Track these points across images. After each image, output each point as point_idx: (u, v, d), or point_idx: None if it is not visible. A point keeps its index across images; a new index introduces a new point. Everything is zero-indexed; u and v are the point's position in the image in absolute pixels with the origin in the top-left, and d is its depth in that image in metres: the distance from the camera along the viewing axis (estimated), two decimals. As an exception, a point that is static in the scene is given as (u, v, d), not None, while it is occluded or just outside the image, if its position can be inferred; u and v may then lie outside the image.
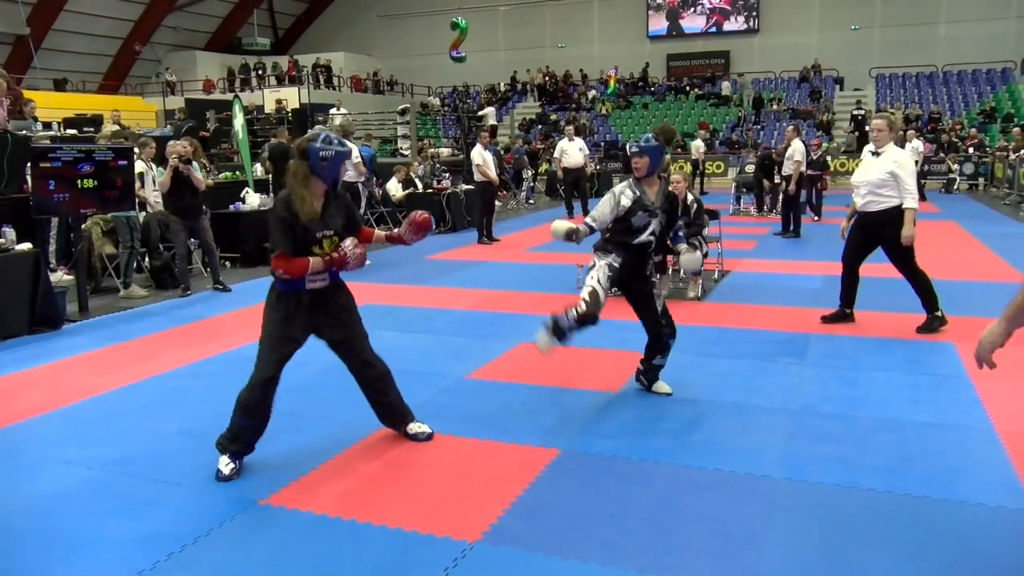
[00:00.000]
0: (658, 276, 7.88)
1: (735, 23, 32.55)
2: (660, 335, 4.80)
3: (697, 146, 21.02)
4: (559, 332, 4.47)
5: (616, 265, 4.61)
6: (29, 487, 3.74)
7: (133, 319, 7.45)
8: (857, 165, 6.73)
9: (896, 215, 6.03)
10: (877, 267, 6.76)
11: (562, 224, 4.58)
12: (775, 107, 29.03)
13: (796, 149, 12.15)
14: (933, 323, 6.22)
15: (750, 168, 15.92)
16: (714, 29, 32.84)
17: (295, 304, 3.79)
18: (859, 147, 23.59)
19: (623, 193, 4.62)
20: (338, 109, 20.79)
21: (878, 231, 6.18)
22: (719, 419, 4.46)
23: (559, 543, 3.11)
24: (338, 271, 3.87)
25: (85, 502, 3.56)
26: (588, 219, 4.67)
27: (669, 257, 8.07)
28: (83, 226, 8.24)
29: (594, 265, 4.66)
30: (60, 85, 26.07)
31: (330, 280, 3.87)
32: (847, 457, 3.88)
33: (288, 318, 3.78)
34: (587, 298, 4.50)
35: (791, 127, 13.04)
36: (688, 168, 18.78)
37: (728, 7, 32.44)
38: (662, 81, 32.91)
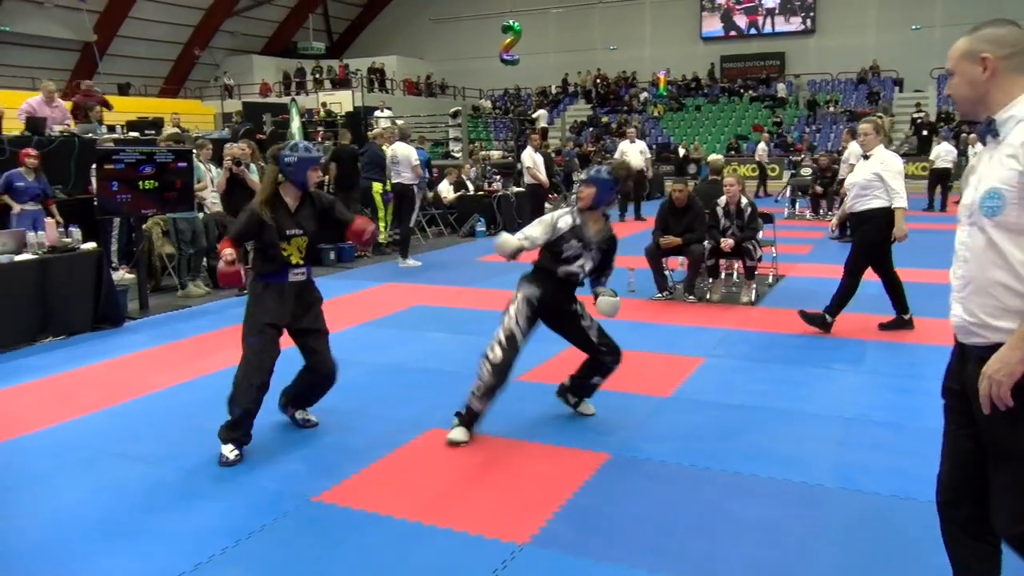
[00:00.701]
0: (710, 281, 7.84)
1: (790, 24, 32.02)
2: (600, 360, 4.48)
3: (761, 148, 20.77)
4: (473, 419, 4.22)
5: (534, 300, 4.31)
6: (90, 480, 3.85)
7: (190, 317, 7.63)
8: (916, 168, 6.71)
9: (874, 214, 6.09)
10: (940, 273, 6.58)
11: (510, 241, 4.27)
12: (831, 109, 28.47)
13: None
14: (900, 323, 6.40)
15: (806, 171, 15.63)
16: (769, 30, 32.35)
17: (279, 294, 4.14)
18: (920, 150, 23.00)
19: (561, 218, 4.33)
20: (382, 111, 20.97)
21: (856, 230, 6.31)
22: (770, 426, 4.38)
23: (607, 548, 3.10)
24: (310, 268, 4.30)
25: (143, 496, 3.66)
26: (520, 235, 4.35)
27: (722, 261, 8.01)
28: (144, 226, 8.46)
29: (513, 299, 4.35)
30: (123, 89, 26.85)
31: (306, 276, 4.26)
32: (902, 467, 3.78)
33: (278, 307, 4.13)
34: (497, 352, 4.18)
35: (847, 130, 12.79)
36: (743, 170, 18.53)
37: (782, 7, 31.92)
38: (715, 83, 32.53)
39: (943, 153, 16.23)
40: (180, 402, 5.04)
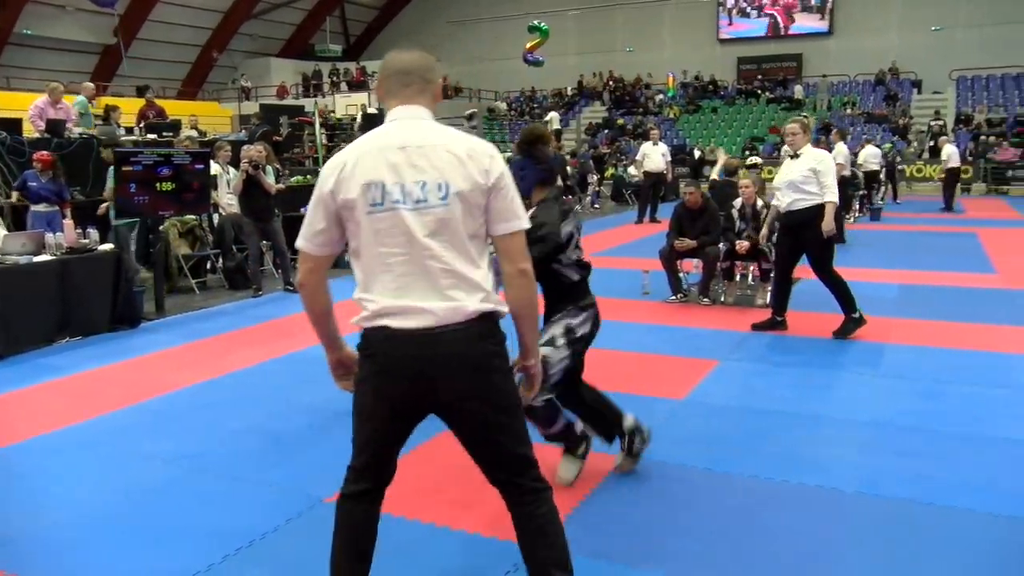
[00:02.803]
0: (725, 283, 7.79)
1: (807, 24, 31.81)
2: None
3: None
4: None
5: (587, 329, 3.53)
6: (108, 479, 3.87)
7: (207, 318, 7.66)
8: (933, 172, 6.70)
9: (817, 214, 6.08)
10: (969, 276, 6.51)
11: None
12: (849, 111, 28.26)
13: (838, 152, 11.95)
14: (849, 325, 6.26)
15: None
16: (784, 31, 32.15)
17: None
18: (932, 156, 22.82)
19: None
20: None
21: (800, 232, 6.22)
22: (791, 429, 4.34)
23: (624, 551, 3.07)
24: None
25: (159, 495, 3.67)
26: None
27: (737, 264, 7.95)
28: (161, 227, 8.52)
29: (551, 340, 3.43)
30: (142, 92, 27.02)
31: None
32: (926, 472, 3.73)
33: None
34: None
35: (836, 131, 12.91)
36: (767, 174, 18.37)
37: (799, 7, 31.74)
38: (732, 84, 32.38)
39: (952, 154, 17.01)
40: (197, 402, 5.06)
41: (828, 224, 6.08)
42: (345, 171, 2.15)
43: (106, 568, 3.03)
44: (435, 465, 3.97)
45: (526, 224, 2.26)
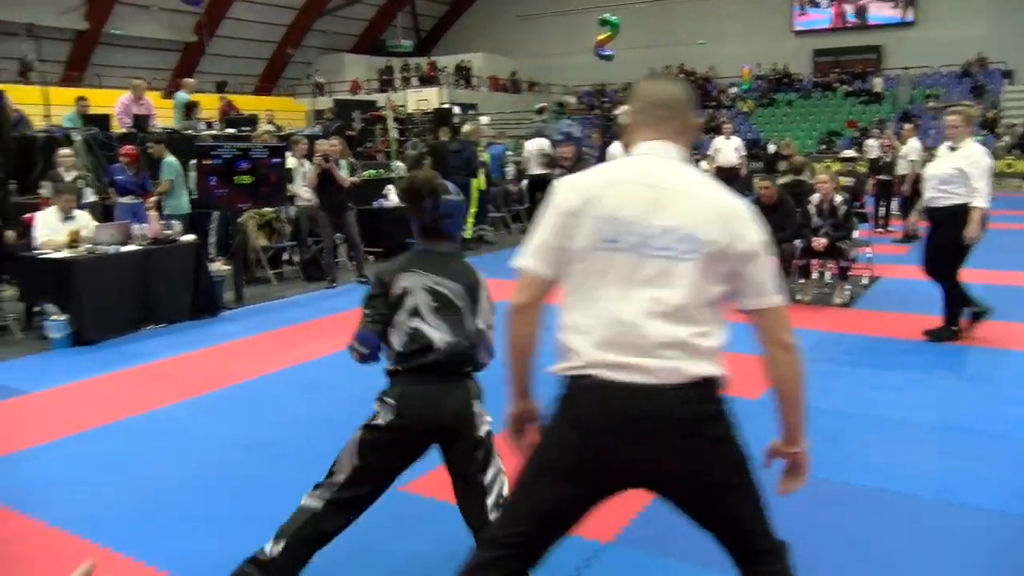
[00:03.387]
0: (801, 281, 7.62)
1: (887, 14, 30.75)
2: None
3: (871, 144, 20.11)
4: None
5: None
6: (187, 463, 4.02)
7: (283, 308, 7.87)
8: None
9: (956, 214, 5.63)
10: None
11: None
12: (931, 104, 27.24)
13: (911, 148, 11.56)
14: (943, 332, 5.95)
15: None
16: (862, 20, 31.14)
17: None
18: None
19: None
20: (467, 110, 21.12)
21: (937, 229, 5.86)
22: (864, 432, 4.23)
23: (690, 550, 3.04)
24: None
25: (235, 480, 3.79)
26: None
27: (814, 261, 7.77)
28: (239, 220, 8.77)
29: None
30: (220, 88, 27.88)
31: None
32: (1008, 481, 3.60)
33: None
34: None
35: (909, 126, 12.46)
36: (835, 167, 17.88)
37: (882, -2, 30.73)
38: (808, 77, 31.58)
39: None
40: (274, 390, 5.20)
41: (973, 230, 5.60)
42: (591, 197, 1.94)
43: (178, 547, 3.16)
44: (505, 457, 4.00)
45: (781, 301, 2.05)
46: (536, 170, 12.00)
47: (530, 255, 2.01)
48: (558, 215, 1.97)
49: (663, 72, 33.48)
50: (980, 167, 5.64)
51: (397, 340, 2.70)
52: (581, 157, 4.49)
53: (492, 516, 2.65)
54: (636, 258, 1.90)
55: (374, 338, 2.72)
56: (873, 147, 15.76)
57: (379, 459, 2.71)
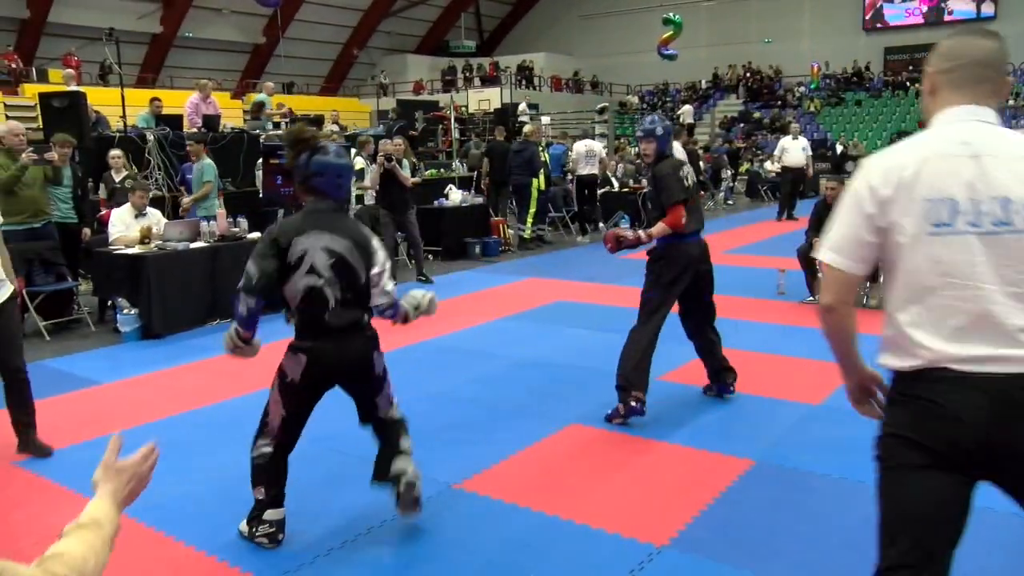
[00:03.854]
0: (868, 285, 7.41)
1: (967, 8, 29.69)
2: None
3: None
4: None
5: None
6: (245, 456, 4.10)
7: (344, 306, 7.98)
8: None
9: None
10: None
11: None
12: (1012, 103, 26.21)
13: None
14: None
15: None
16: (938, 16, 30.15)
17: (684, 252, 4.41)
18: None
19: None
20: (527, 108, 21.11)
21: None
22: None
23: (748, 556, 2.99)
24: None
25: (297, 472, 3.85)
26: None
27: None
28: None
29: None
30: (288, 88, 28.50)
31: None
32: None
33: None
34: None
35: None
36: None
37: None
38: (879, 76, 30.71)
39: None
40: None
41: None
42: (904, 177, 1.77)
43: (237, 535, 3.22)
44: (559, 458, 3.99)
45: None
46: (585, 170, 12.33)
47: (835, 249, 1.87)
48: (865, 203, 1.81)
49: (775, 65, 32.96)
50: None
51: (295, 302, 3.06)
52: (663, 155, 4.48)
53: (386, 410, 3.31)
54: (975, 239, 1.73)
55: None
56: None
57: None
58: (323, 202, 3.06)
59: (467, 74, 32.99)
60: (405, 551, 3.12)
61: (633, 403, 4.32)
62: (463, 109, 21.53)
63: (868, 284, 7.45)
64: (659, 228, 4.39)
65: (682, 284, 4.46)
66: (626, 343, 4.46)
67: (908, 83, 29.28)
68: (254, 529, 3.15)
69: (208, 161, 8.87)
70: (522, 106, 21.56)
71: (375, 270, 3.07)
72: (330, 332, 3.06)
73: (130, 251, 6.86)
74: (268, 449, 3.17)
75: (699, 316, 4.68)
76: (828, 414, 4.54)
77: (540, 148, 11.97)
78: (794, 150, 14.44)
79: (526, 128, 12.72)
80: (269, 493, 3.15)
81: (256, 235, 7.76)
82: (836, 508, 3.39)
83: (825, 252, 1.89)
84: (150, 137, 9.88)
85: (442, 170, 13.75)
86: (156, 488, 3.64)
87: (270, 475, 3.16)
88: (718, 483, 3.63)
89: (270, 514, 3.15)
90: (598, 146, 13.19)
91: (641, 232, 4.46)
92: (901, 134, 25.66)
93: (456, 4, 36.45)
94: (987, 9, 29.42)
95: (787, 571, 2.90)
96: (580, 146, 12.90)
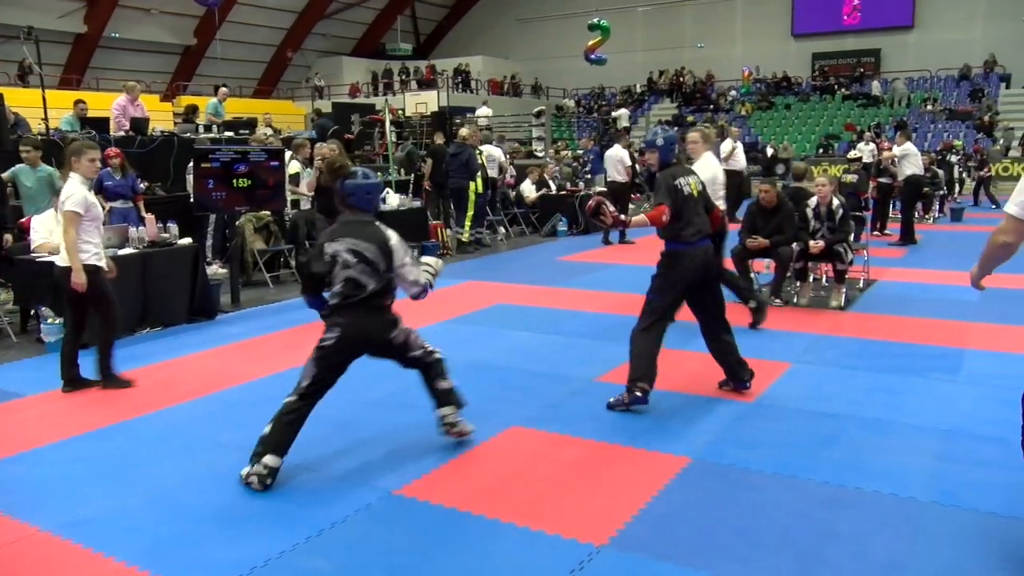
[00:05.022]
0: (798, 284, 7.62)
1: (887, 17, 30.72)
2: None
3: (862, 149, 20.13)
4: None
5: None
6: (186, 465, 4.01)
7: (280, 311, 7.86)
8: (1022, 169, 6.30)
9: None
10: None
11: None
12: (929, 108, 27.26)
13: (908, 151, 11.51)
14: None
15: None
16: (862, 24, 31.15)
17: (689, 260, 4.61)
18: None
19: None
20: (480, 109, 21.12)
21: None
22: (862, 435, 4.23)
23: (689, 553, 3.04)
24: None
25: (234, 482, 3.78)
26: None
27: (811, 264, 7.77)
28: (237, 223, 8.75)
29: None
30: (219, 91, 27.89)
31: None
32: (1007, 483, 3.59)
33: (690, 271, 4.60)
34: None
35: (902, 132, 12.35)
36: (833, 171, 17.87)
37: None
38: (806, 80, 31.60)
39: None
40: (270, 393, 5.17)
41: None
42: None
43: (178, 551, 3.14)
44: (500, 461, 4.00)
45: None
46: (616, 177, 12.55)
47: (1019, 205, 2.74)
48: None
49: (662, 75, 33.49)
50: (720, 181, 6.36)
51: (336, 286, 3.78)
52: (666, 164, 4.71)
53: (415, 353, 4.01)
54: None
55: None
56: (864, 152, 15.64)
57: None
58: (355, 215, 3.83)
59: (404, 77, 32.82)
60: (344, 560, 3.08)
61: (638, 392, 4.50)
62: (400, 112, 21.41)
63: (799, 285, 7.67)
64: (639, 219, 4.63)
65: (686, 290, 4.64)
66: (631, 351, 4.60)
67: (834, 87, 30.21)
68: (251, 467, 3.64)
69: (49, 169, 7.98)
70: (480, 110, 21.56)
71: (397, 264, 3.78)
72: (359, 312, 3.77)
73: (54, 258, 6.61)
74: (292, 398, 3.75)
75: (709, 319, 4.83)
76: (763, 411, 4.65)
77: (477, 151, 11.98)
78: (738, 153, 14.72)
79: (462, 131, 12.70)
80: (274, 433, 3.65)
81: (187, 241, 7.59)
82: (772, 503, 3.47)
83: (1011, 206, 2.75)
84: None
85: (380, 174, 13.64)
86: (84, 503, 3.55)
87: (283, 419, 3.70)
88: (656, 481, 3.68)
89: (269, 459, 3.62)
90: (498, 151, 13.51)
91: (622, 216, 4.68)
92: (829, 137, 26.48)
93: (392, 6, 36.24)
94: (905, 19, 30.54)
95: (725, 566, 2.96)
96: (612, 153, 12.96)
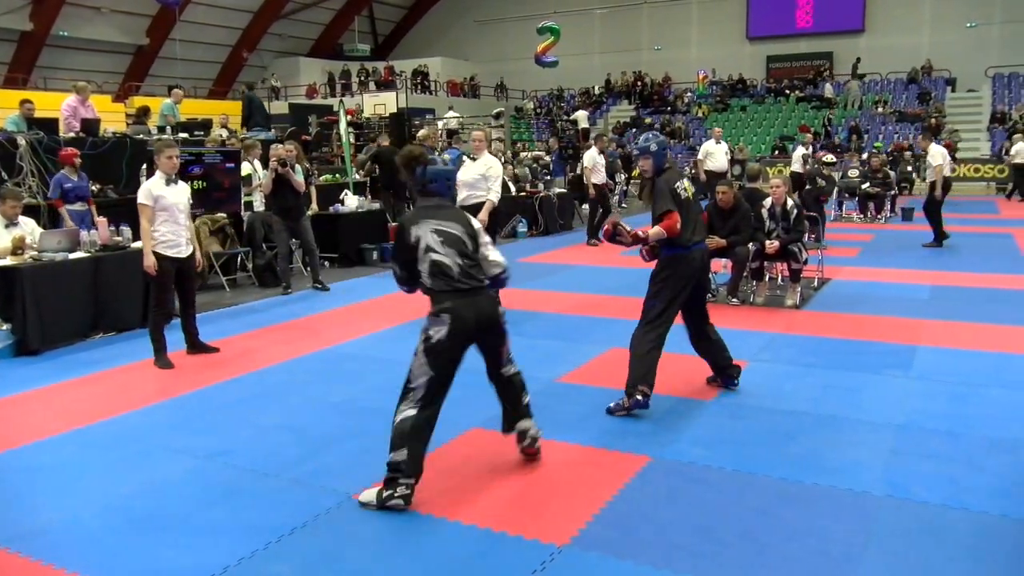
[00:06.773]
0: (755, 284, 7.73)
1: (839, 21, 31.35)
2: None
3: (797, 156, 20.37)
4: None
5: None
6: (141, 472, 3.93)
7: (236, 315, 7.74)
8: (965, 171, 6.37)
9: (479, 208, 6.85)
10: (1004, 278, 6.41)
11: None
12: (880, 110, 27.87)
13: (935, 153, 11.41)
14: None
15: (854, 173, 15.34)
16: (815, 28, 31.75)
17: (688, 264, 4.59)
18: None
19: None
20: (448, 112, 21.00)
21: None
22: (818, 432, 4.30)
23: (650, 552, 3.07)
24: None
25: (191, 489, 3.72)
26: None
27: (767, 264, 7.88)
28: (192, 225, 8.59)
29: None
30: (172, 92, 27.41)
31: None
32: (956, 477, 3.69)
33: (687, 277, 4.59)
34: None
35: (923, 135, 12.54)
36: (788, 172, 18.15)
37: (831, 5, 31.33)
38: (761, 83, 32.09)
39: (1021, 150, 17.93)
40: (226, 398, 5.11)
41: (484, 216, 6.65)
42: None
43: (135, 560, 3.08)
44: (460, 463, 3.99)
45: None
46: (596, 180, 12.60)
47: None
48: None
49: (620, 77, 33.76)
50: (496, 172, 7.17)
51: (426, 277, 3.62)
52: (661, 169, 4.68)
53: (507, 366, 3.90)
54: None
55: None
56: (795, 158, 14.91)
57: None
58: (433, 200, 3.75)
59: (362, 78, 32.59)
60: (304, 565, 3.04)
61: (639, 396, 4.48)
62: (359, 114, 21.27)
63: (755, 284, 7.78)
64: (656, 231, 4.57)
65: (685, 293, 4.65)
66: (631, 355, 4.59)
67: (788, 90, 30.72)
68: (391, 491, 3.40)
69: None
70: (450, 112, 21.44)
71: (483, 243, 3.72)
72: (462, 294, 3.59)
73: (1, 263, 6.45)
74: (411, 412, 3.49)
75: (699, 319, 4.86)
76: (721, 409, 4.71)
77: (438, 152, 11.93)
78: (719, 154, 14.79)
79: (420, 132, 12.66)
80: (409, 458, 3.42)
81: (140, 244, 7.43)
82: (731, 500, 3.51)
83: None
84: (21, 141, 9.31)
85: (337, 176, 13.53)
86: (38, 515, 3.45)
87: (411, 440, 3.45)
88: (616, 481, 3.70)
89: (406, 480, 3.43)
90: (446, 156, 13.52)
91: (639, 231, 4.65)
92: (784, 138, 26.91)
93: (350, 7, 35.94)
94: (856, 23, 31.17)
95: (686, 563, 2.99)
96: (588, 158, 13.07)
